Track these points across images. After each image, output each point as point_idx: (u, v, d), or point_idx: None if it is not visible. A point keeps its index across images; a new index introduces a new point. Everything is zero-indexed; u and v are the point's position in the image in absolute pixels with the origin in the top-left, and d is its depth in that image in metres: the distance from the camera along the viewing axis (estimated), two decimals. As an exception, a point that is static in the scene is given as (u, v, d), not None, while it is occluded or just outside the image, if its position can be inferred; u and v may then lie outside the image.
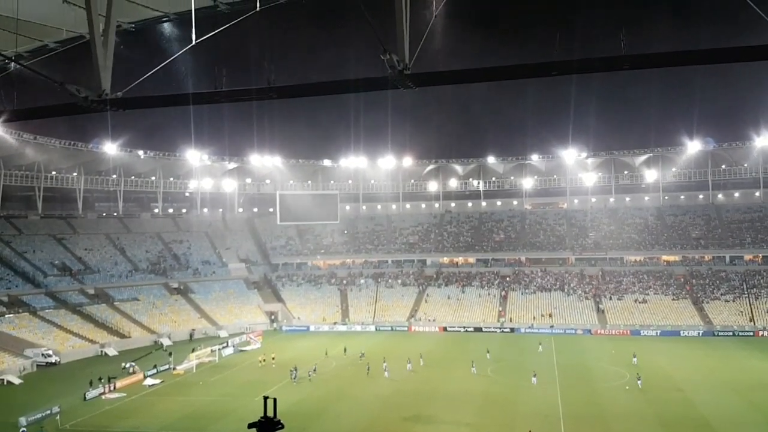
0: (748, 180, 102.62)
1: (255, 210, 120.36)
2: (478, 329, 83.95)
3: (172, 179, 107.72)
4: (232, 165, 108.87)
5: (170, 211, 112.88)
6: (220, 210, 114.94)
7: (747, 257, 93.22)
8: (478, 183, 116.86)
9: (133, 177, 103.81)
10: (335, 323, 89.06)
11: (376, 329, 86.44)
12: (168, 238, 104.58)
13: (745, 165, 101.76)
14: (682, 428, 38.99)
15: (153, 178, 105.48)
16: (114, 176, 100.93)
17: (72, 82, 14.97)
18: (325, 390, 51.16)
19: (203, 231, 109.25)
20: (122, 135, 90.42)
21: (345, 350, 66.78)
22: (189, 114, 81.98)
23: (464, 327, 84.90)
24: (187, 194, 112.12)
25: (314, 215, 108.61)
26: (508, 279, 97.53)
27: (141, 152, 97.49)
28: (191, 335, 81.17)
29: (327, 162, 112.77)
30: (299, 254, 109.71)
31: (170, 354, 65.44)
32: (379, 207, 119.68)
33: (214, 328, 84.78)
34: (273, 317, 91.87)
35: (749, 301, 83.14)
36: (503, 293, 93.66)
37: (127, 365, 59.87)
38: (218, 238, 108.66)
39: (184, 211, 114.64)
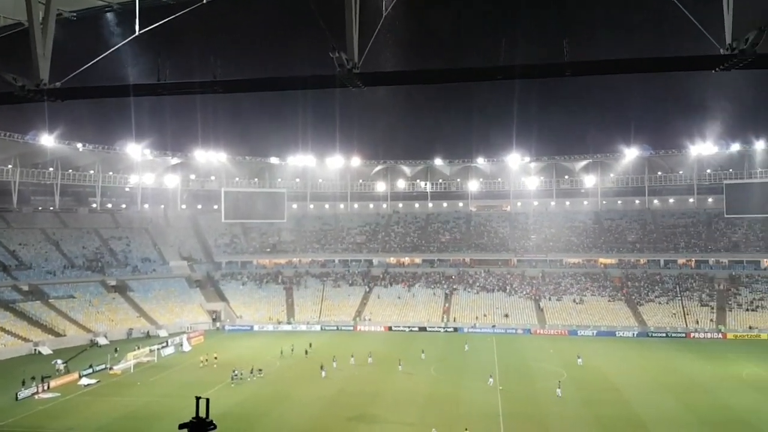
0: (682, 187, 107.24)
1: (199, 207, 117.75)
2: (422, 329, 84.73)
3: (111, 173, 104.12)
4: (175, 160, 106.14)
5: (109, 206, 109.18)
6: (162, 206, 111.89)
7: (680, 261, 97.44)
8: (426, 184, 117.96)
9: (71, 170, 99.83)
10: (280, 323, 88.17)
11: (321, 329, 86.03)
12: (106, 234, 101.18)
13: (680, 172, 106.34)
14: (617, 428, 40.29)
15: (92, 171, 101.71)
16: (51, 169, 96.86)
17: (8, 70, 14.38)
18: (269, 391, 50.57)
19: (144, 227, 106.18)
20: (60, 127, 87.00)
21: (292, 349, 65.98)
22: (131, 107, 79.68)
23: (409, 327, 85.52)
24: (127, 189, 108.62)
25: (260, 213, 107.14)
26: (452, 279, 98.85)
27: (80, 145, 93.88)
28: (129, 334, 78.82)
29: (274, 159, 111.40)
30: (244, 252, 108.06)
31: (116, 350, 63.74)
32: (326, 206, 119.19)
33: (153, 327, 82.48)
34: (215, 317, 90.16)
35: (682, 303, 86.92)
36: (448, 293, 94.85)
37: (56, 362, 57.93)
38: (159, 235, 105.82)
39: (123, 206, 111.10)
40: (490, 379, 50.06)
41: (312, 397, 48.34)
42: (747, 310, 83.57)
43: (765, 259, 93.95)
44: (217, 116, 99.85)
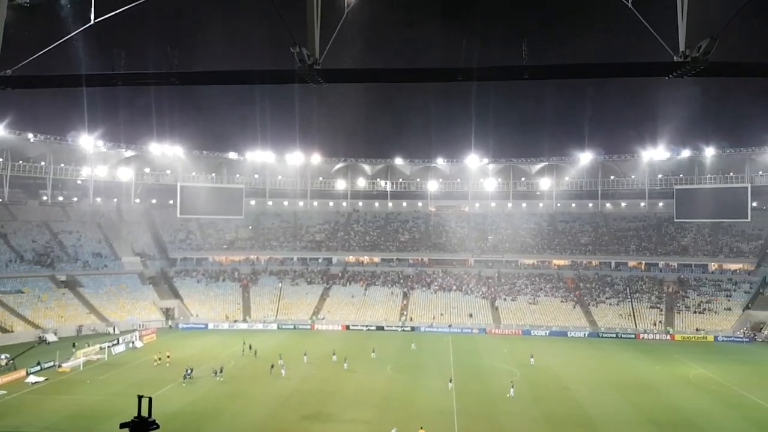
0: (634, 191, 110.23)
1: (153, 201, 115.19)
2: (380, 328, 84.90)
3: (63, 165, 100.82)
4: (129, 153, 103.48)
5: (60, 199, 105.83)
6: (115, 200, 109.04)
7: (631, 263, 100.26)
8: (386, 183, 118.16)
9: (21, 161, 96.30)
10: (236, 321, 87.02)
11: (278, 327, 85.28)
12: (57, 227, 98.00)
13: (632, 177, 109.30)
14: (567, 426, 41.07)
15: (43, 163, 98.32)
16: (0, 160, 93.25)
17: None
18: (222, 390, 49.83)
19: (95, 221, 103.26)
20: (10, 115, 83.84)
21: (250, 347, 65.00)
22: (84, 97, 77.32)
23: (367, 326, 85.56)
24: (79, 182, 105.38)
25: (217, 209, 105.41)
26: (410, 279, 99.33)
27: (30, 135, 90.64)
28: (79, 331, 76.61)
29: (232, 155, 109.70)
30: (200, 249, 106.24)
31: (74, 345, 62.31)
32: (285, 203, 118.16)
33: (104, 324, 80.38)
34: (169, 314, 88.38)
35: (632, 305, 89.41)
36: (406, 292, 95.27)
37: (1, 357, 56.10)
38: (112, 229, 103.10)
39: (75, 199, 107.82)
40: (450, 384, 49.73)
41: (266, 395, 47.86)
42: (695, 312, 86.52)
43: (712, 263, 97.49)
44: (174, 109, 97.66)
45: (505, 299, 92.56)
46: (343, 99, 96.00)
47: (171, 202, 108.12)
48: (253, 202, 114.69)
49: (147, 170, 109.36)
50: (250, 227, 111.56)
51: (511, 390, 48.48)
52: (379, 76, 14.30)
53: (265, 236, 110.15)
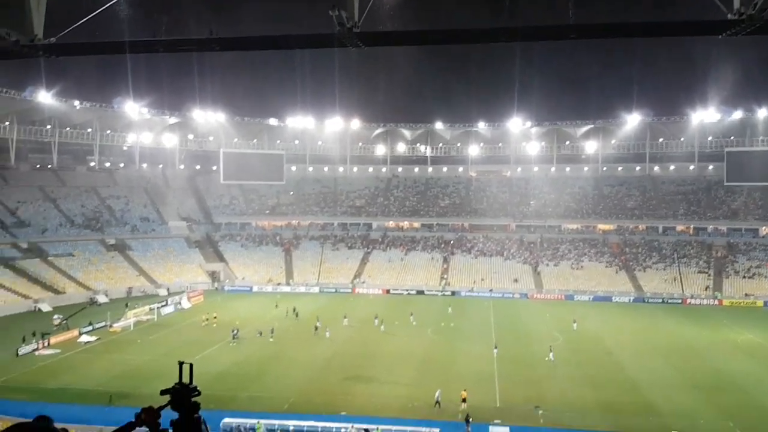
0: (683, 154, 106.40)
1: (197, 167, 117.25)
2: (420, 292, 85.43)
3: (109, 132, 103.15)
4: (173, 119, 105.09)
5: (107, 165, 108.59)
6: (160, 166, 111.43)
7: (679, 228, 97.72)
8: (426, 148, 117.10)
9: (68, 128, 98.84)
10: (279, 284, 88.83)
11: (320, 291, 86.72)
12: (105, 193, 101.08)
13: (682, 139, 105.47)
14: (610, 390, 40.89)
15: (89, 130, 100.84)
16: (48, 127, 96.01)
17: (1, 25, 14.06)
18: (266, 351, 51.19)
19: (142, 187, 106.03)
20: (58, 84, 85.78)
21: (294, 309, 66.41)
22: (128, 64, 78.34)
23: (407, 290, 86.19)
24: (125, 148, 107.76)
25: (259, 175, 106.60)
26: (451, 244, 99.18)
27: (77, 102, 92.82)
28: (129, 293, 79.52)
29: (273, 121, 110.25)
30: (243, 214, 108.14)
31: (127, 305, 64.95)
32: (326, 169, 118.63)
33: (152, 286, 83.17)
34: (215, 277, 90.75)
35: (679, 269, 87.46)
36: (446, 257, 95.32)
37: (55, 317, 58.83)
38: (158, 194, 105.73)
39: (122, 165, 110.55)
40: (495, 350, 49.66)
41: (308, 357, 48.98)
42: (744, 277, 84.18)
43: (763, 227, 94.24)
44: (216, 75, 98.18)
45: (547, 264, 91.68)
46: (383, 63, 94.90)
47: (214, 168, 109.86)
48: (293, 168, 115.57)
49: (190, 137, 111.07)
50: (291, 193, 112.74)
51: (551, 354, 48.42)
52: (419, 38, 14.03)
53: (305, 202, 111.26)
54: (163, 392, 5.23)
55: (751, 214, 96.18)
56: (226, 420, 32.86)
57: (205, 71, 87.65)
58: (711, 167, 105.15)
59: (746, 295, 79.93)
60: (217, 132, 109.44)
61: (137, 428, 5.04)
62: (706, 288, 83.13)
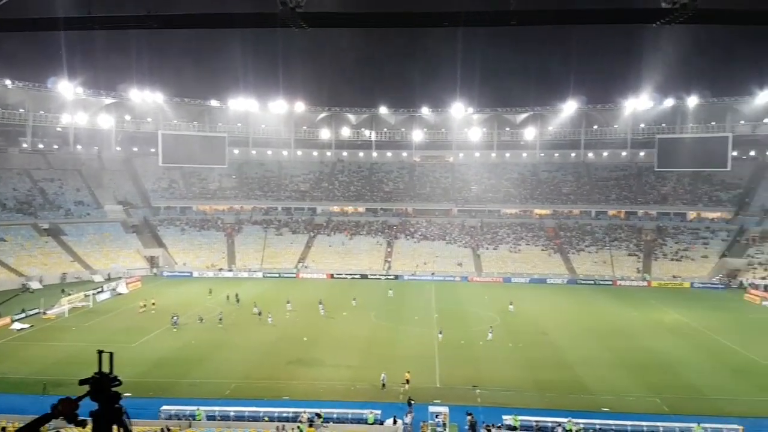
0: (616, 140, 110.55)
1: (135, 149, 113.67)
2: (364, 276, 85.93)
3: (42, 113, 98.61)
4: (109, 100, 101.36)
5: (40, 146, 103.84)
6: (96, 148, 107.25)
7: (611, 212, 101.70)
8: (370, 133, 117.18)
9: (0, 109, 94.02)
10: (221, 270, 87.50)
11: (263, 276, 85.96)
12: (38, 175, 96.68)
13: (615, 126, 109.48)
14: (545, 369, 42.38)
15: (22, 110, 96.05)
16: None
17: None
18: (207, 336, 50.54)
19: (77, 169, 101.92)
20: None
21: (237, 296, 65.50)
22: (62, 42, 74.94)
23: (351, 274, 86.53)
24: (59, 129, 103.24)
25: (200, 158, 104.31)
26: (395, 228, 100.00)
27: (8, 82, 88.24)
28: (63, 279, 76.70)
29: (214, 102, 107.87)
30: (183, 198, 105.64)
31: (63, 291, 63.07)
32: (269, 152, 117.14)
33: (88, 272, 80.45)
34: (153, 263, 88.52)
35: (610, 252, 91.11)
36: (390, 242, 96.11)
37: None
38: (93, 177, 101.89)
39: (56, 147, 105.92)
40: (440, 335, 49.66)
41: (251, 342, 48.69)
42: (672, 259, 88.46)
43: (691, 212, 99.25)
44: (154, 55, 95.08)
45: (487, 248, 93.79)
46: (327, 45, 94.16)
47: (152, 150, 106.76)
48: (236, 151, 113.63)
49: (127, 118, 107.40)
50: (234, 176, 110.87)
51: (490, 334, 49.86)
52: (363, 20, 14.08)
53: (248, 186, 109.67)
54: (81, 382, 5.15)
55: (680, 199, 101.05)
56: (165, 407, 32.31)
57: (143, 50, 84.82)
58: (642, 154, 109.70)
59: (674, 276, 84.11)
60: (156, 113, 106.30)
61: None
62: (637, 270, 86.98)
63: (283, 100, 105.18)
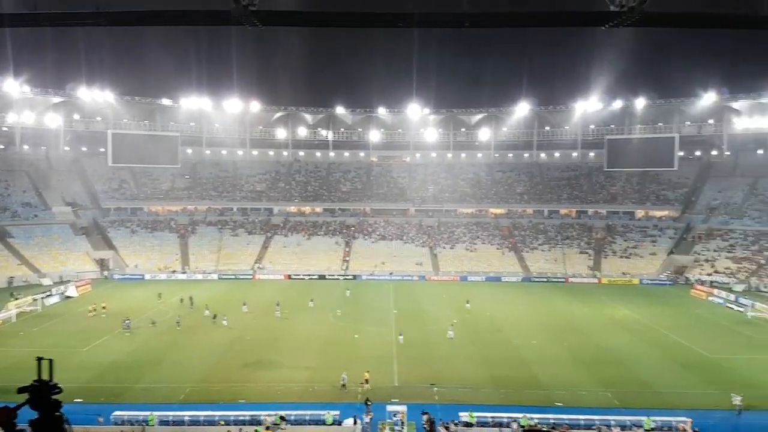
0: (567, 141, 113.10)
1: (84, 149, 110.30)
2: (322, 277, 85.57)
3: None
4: (57, 99, 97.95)
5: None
6: (44, 148, 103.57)
7: (563, 211, 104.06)
8: (327, 133, 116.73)
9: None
10: (174, 271, 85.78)
11: (219, 278, 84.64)
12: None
13: (566, 127, 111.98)
14: (501, 366, 43.09)
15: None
16: None
17: None
18: (161, 339, 49.54)
19: (23, 170, 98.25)
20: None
21: (191, 299, 64.30)
22: (7, 39, 72.09)
23: (309, 275, 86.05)
24: (4, 129, 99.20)
25: (151, 158, 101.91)
26: (353, 228, 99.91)
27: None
28: (10, 283, 73.90)
29: (166, 101, 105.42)
30: (134, 199, 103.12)
31: (12, 294, 61.55)
32: (224, 152, 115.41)
33: (36, 275, 77.74)
34: (104, 265, 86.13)
35: (563, 250, 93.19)
36: (348, 242, 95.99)
37: None
38: (41, 178, 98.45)
39: (1, 147, 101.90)
40: (401, 337, 49.15)
41: (207, 345, 47.93)
42: (621, 257, 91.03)
43: (639, 210, 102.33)
44: (103, 52, 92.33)
45: (444, 247, 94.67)
46: (282, 44, 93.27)
47: (102, 150, 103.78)
48: (189, 151, 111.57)
49: (76, 117, 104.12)
50: (187, 177, 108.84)
51: (450, 332, 50.37)
52: (317, 20, 14.05)
53: (203, 186, 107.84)
54: (20, 390, 4.96)
55: (628, 199, 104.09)
56: (117, 413, 31.59)
57: (92, 47, 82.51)
58: (592, 154, 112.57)
59: (623, 273, 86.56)
60: (105, 112, 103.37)
61: None
62: (588, 267, 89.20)
63: (238, 99, 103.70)
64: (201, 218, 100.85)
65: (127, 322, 52.33)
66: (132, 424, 30.60)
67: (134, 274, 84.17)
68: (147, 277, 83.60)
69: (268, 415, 30.78)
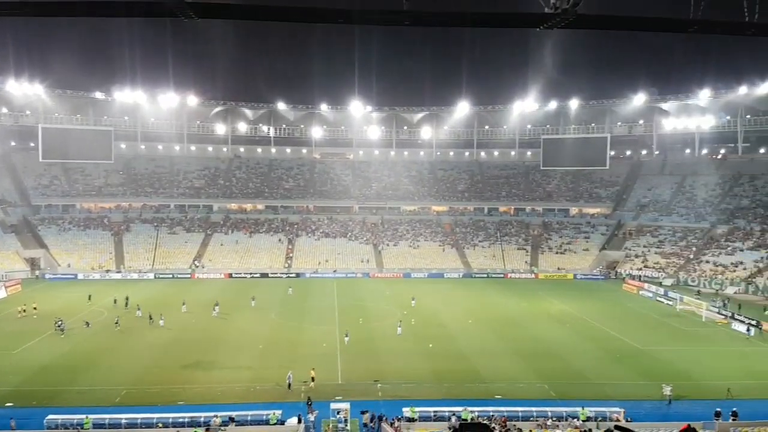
0: (506, 140, 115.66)
1: (12, 144, 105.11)
2: (264, 275, 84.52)
3: None
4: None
5: None
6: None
7: (502, 209, 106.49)
8: (269, 129, 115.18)
9: None
10: (108, 271, 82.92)
11: (155, 277, 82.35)
12: None
13: (505, 127, 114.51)
14: (443, 361, 43.69)
15: None
16: None
17: None
18: (97, 341, 47.82)
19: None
20: None
21: (126, 299, 62.17)
22: None
23: (251, 273, 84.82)
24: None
25: (84, 153, 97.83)
26: (295, 226, 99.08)
27: None
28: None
29: (99, 95, 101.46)
30: (66, 195, 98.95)
31: None
32: (160, 147, 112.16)
33: (-43, 277, 73.63)
34: (34, 264, 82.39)
35: (501, 247, 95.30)
36: (291, 239, 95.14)
37: None
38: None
39: None
40: (346, 338, 48.13)
41: (143, 346, 46.59)
42: (557, 253, 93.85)
43: (573, 208, 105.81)
44: (33, 44, 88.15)
45: (388, 244, 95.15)
46: (220, 37, 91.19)
47: (32, 145, 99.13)
48: (123, 146, 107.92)
49: (4, 110, 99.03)
50: (122, 173, 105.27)
51: (399, 328, 51.05)
52: (255, 13, 13.83)
53: (138, 182, 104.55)
54: None
55: (563, 196, 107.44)
56: (51, 417, 30.61)
57: (21, 39, 78.59)
58: (529, 153, 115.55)
59: (559, 268, 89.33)
60: (35, 105, 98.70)
61: None
62: (525, 263, 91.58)
63: (175, 93, 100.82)
64: (136, 215, 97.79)
65: (59, 323, 50.27)
66: (66, 428, 29.67)
67: (66, 274, 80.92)
68: (80, 276, 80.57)
69: (216, 416, 30.26)
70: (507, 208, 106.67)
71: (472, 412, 31.42)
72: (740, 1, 15.77)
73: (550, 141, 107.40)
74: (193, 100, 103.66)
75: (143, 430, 30.08)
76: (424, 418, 31.68)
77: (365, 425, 30.90)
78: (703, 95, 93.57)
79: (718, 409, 31.27)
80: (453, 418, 30.61)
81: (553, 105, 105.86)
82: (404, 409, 31.93)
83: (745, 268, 78.00)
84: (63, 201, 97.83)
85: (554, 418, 30.92)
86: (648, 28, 17.83)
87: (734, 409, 31.84)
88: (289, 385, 36.85)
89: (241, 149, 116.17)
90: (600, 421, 30.88)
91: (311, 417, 31.16)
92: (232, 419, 30.38)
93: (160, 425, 30.14)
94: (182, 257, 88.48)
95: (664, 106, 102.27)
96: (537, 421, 30.53)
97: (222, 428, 29.48)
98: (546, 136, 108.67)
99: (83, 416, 30.35)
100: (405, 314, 55.56)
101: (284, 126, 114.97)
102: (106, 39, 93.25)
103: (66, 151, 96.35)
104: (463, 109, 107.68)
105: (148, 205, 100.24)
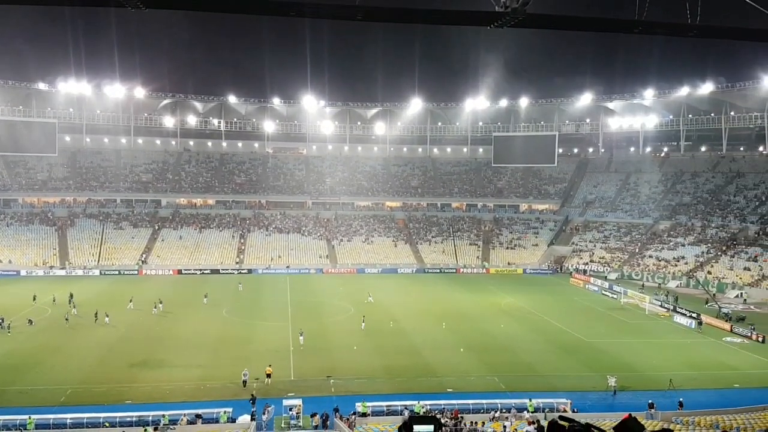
0: (458, 137, 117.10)
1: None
2: (215, 271, 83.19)
3: None
4: None
5: None
6: None
7: (454, 205, 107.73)
8: (219, 122, 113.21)
9: None
10: (52, 267, 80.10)
11: (101, 273, 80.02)
12: None
13: (457, 124, 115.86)
14: (395, 355, 43.96)
15: None
16: None
17: None
18: (40, 340, 46.15)
19: None
20: None
21: (71, 297, 60.00)
22: None
23: (201, 269, 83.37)
24: None
25: (26, 145, 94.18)
26: (247, 221, 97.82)
27: None
28: None
29: (42, 86, 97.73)
30: (7, 189, 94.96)
31: None
32: (106, 140, 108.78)
33: None
34: (-30, 262, 78.85)
35: (454, 242, 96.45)
36: (243, 235, 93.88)
37: None
38: None
39: None
40: (301, 337, 46.57)
41: (88, 345, 45.22)
42: (507, 248, 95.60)
43: (523, 204, 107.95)
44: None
45: (341, 240, 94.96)
46: (168, 28, 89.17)
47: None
48: (68, 139, 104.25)
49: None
50: (66, 166, 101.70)
51: (362, 324, 51.30)
52: (203, 4, 13.57)
53: (83, 176, 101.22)
54: None
55: (514, 193, 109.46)
56: (-10, 418, 29.33)
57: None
58: (481, 150, 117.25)
59: (509, 263, 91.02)
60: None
61: None
62: (477, 258, 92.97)
63: (121, 85, 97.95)
64: (81, 210, 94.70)
65: (1, 321, 48.29)
66: (8, 429, 28.68)
67: (8, 270, 77.77)
68: (23, 273, 77.63)
69: (184, 415, 29.83)
70: (459, 204, 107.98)
71: (424, 405, 31.76)
72: (683, 4, 16.35)
73: (502, 138, 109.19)
74: (140, 91, 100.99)
75: (89, 429, 29.31)
76: (377, 413, 31.84)
77: (316, 427, 30.71)
78: (648, 95, 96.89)
79: (651, 401, 32.28)
80: (406, 412, 30.85)
81: (504, 103, 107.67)
82: (357, 404, 32.01)
83: (686, 263, 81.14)
84: (4, 195, 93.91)
85: (504, 410, 31.54)
86: (595, 28, 18.33)
87: (680, 399, 33.10)
88: (245, 382, 36.40)
89: (191, 143, 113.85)
90: (547, 412, 31.66)
91: (265, 416, 30.78)
92: (198, 416, 30.15)
93: (107, 425, 29.42)
94: (129, 253, 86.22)
95: (610, 105, 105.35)
96: (488, 413, 31.08)
97: (171, 427, 28.96)
98: (497, 133, 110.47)
99: (26, 417, 29.36)
100: (351, 312, 55.44)
101: (236, 120, 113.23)
102: (50, 28, 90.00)
103: (8, 143, 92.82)
104: (416, 105, 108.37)
105: (93, 200, 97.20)
